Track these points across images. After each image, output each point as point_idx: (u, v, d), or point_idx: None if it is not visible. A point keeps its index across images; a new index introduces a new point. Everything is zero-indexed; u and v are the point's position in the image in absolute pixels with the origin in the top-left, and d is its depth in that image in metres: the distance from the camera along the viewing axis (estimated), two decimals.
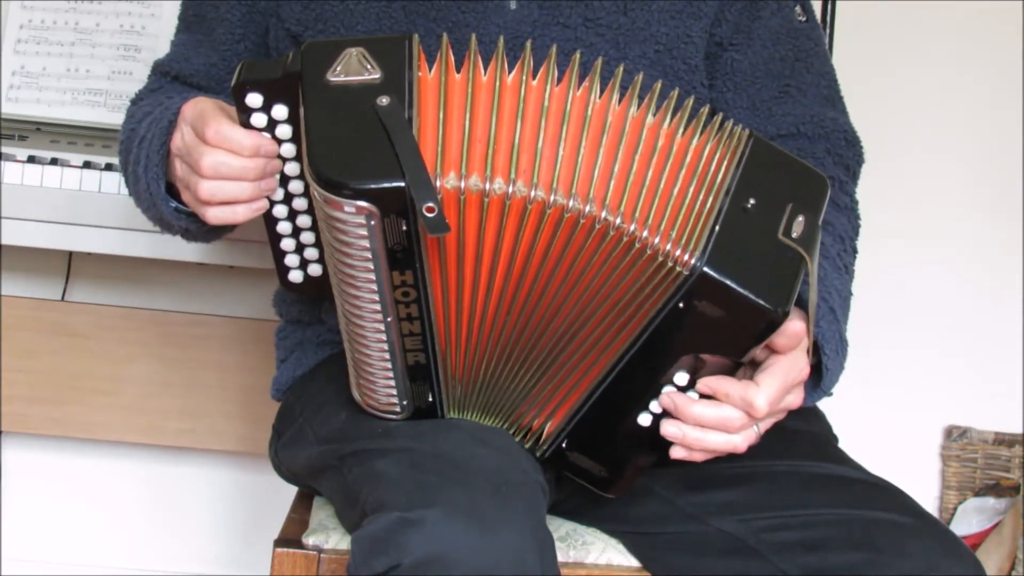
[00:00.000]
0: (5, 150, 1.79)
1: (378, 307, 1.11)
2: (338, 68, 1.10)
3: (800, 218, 1.11)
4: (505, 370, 1.18)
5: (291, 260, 1.26)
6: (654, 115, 1.14)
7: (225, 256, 1.83)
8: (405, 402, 1.19)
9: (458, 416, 1.22)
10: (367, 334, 1.14)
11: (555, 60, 1.13)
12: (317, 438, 1.30)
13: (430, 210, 1.04)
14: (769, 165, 1.14)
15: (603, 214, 1.08)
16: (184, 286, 2.16)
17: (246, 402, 2.08)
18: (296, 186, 1.20)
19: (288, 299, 1.47)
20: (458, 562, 1.03)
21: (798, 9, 1.42)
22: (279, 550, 1.28)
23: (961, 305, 2.28)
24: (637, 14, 1.33)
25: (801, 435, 1.30)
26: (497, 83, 1.12)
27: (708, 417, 1.14)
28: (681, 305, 1.09)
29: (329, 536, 1.29)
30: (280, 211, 1.22)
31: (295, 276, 1.27)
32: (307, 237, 1.23)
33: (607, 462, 1.21)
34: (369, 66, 1.10)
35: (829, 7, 2.03)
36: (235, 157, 1.15)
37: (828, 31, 2.02)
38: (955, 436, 2.25)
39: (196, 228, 1.31)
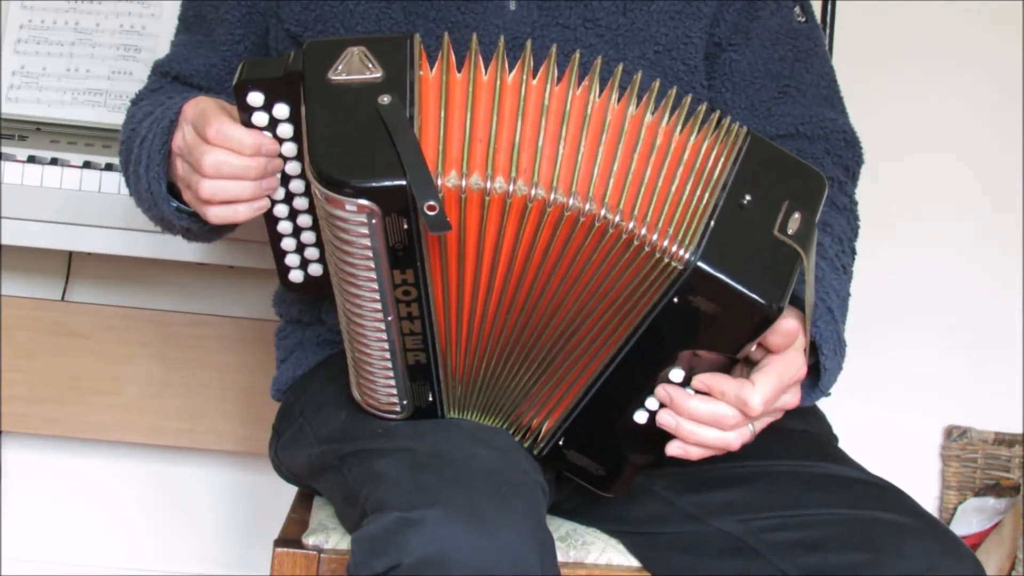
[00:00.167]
0: (5, 150, 1.79)
1: (379, 306, 1.11)
2: (340, 67, 1.10)
3: (796, 215, 1.11)
4: (505, 369, 1.18)
5: (292, 260, 1.26)
6: (652, 113, 1.14)
7: (225, 256, 1.83)
8: (405, 402, 1.19)
9: (458, 416, 1.22)
10: (367, 333, 1.14)
11: (555, 60, 1.13)
12: (317, 438, 1.30)
13: (431, 209, 1.04)
14: (766, 162, 1.14)
15: (602, 212, 1.08)
16: (184, 286, 2.16)
17: (246, 402, 2.08)
18: (297, 185, 1.20)
19: (288, 299, 1.47)
20: (458, 562, 1.03)
21: (797, 10, 1.42)
22: (279, 550, 1.28)
23: (961, 305, 2.27)
24: (636, 15, 1.33)
25: (801, 435, 1.30)
26: (498, 83, 1.12)
27: (702, 412, 1.13)
28: (676, 300, 1.09)
29: (329, 536, 1.29)
30: (281, 210, 1.22)
31: (295, 276, 1.27)
32: (308, 237, 1.23)
33: (604, 460, 1.21)
34: (370, 65, 1.10)
35: (829, 7, 2.03)
36: (236, 156, 1.15)
37: (828, 31, 2.02)
38: (955, 436, 2.25)
39: (197, 228, 1.31)
